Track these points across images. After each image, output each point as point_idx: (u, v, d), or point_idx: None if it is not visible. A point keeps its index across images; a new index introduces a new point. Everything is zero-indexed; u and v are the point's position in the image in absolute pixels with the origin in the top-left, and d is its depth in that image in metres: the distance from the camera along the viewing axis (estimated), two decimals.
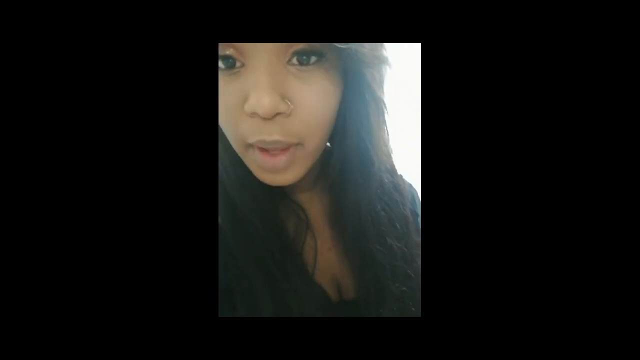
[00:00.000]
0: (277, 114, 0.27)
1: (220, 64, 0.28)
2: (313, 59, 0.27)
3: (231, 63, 0.28)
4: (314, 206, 0.40)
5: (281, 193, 0.37)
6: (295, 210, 0.38)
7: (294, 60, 0.27)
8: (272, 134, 0.28)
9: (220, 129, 0.32)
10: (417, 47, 0.29)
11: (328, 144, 0.35)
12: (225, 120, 0.30)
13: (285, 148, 0.29)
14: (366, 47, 0.28)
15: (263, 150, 0.29)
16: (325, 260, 0.39)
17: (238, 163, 0.32)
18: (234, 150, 0.32)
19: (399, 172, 0.44)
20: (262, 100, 0.26)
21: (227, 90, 0.28)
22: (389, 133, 0.36)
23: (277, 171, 0.30)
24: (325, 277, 0.37)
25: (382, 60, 0.31)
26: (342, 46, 0.27)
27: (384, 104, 0.34)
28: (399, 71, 0.35)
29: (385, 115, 0.34)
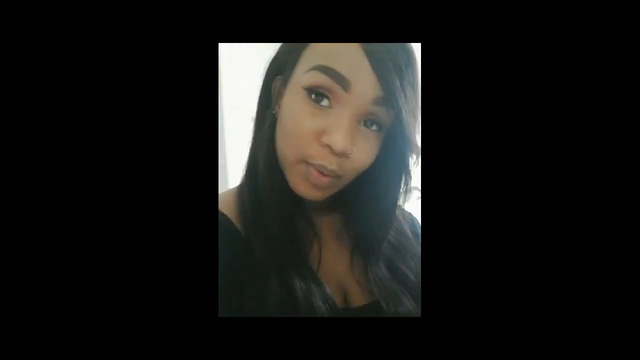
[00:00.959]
0: (344, 153, 0.35)
1: (313, 97, 0.35)
2: (375, 126, 0.36)
3: (321, 100, 0.35)
4: (324, 222, 0.44)
5: (299, 202, 0.41)
6: (306, 219, 0.43)
7: (365, 121, 0.36)
8: (333, 164, 0.35)
9: (260, 141, 0.39)
10: (417, 47, 0.29)
11: None
12: (289, 137, 0.36)
13: (331, 174, 0.36)
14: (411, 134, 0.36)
15: (317, 169, 0.36)
16: (331, 268, 0.42)
17: (274, 171, 0.39)
18: (273, 160, 0.39)
19: None
20: (342, 140, 0.34)
21: (310, 119, 0.35)
22: (408, 181, 0.42)
23: (317, 187, 0.37)
24: (332, 283, 0.40)
25: (415, 147, 0.38)
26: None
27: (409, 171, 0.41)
28: None
29: (411, 164, 0.40)
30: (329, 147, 0.34)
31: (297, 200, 0.39)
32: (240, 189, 0.42)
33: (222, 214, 0.39)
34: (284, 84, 0.38)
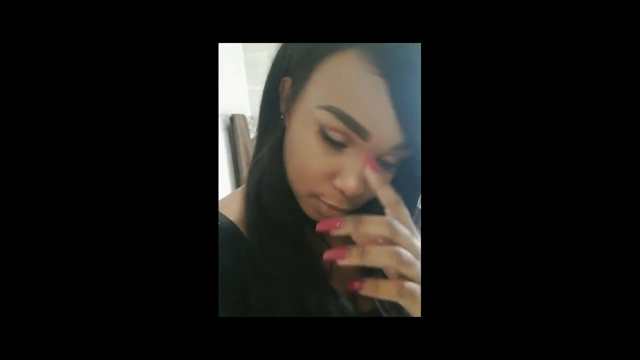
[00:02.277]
0: (356, 196, 0.33)
1: (329, 141, 0.32)
2: (389, 164, 0.34)
3: (338, 146, 0.33)
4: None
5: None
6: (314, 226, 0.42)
7: (380, 159, 0.33)
8: (344, 204, 0.34)
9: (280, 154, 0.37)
10: (417, 47, 0.29)
11: None
12: (299, 170, 0.35)
13: (342, 211, 0.35)
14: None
15: (328, 205, 0.35)
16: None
17: (284, 193, 0.37)
18: (284, 185, 0.37)
19: None
20: (355, 185, 0.32)
21: (322, 159, 0.33)
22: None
23: (327, 213, 0.35)
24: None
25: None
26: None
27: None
28: None
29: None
30: (341, 190, 0.33)
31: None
32: (247, 196, 0.39)
33: (226, 218, 0.39)
34: (294, 97, 0.34)
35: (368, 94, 0.30)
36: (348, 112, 0.30)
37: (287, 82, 0.36)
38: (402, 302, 0.30)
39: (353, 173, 0.32)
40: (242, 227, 0.39)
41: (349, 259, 0.30)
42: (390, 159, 0.33)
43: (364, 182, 0.33)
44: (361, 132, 0.31)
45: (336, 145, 0.33)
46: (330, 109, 0.31)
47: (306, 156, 0.34)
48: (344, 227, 0.31)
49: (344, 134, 0.32)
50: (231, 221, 0.39)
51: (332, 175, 0.33)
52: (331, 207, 0.34)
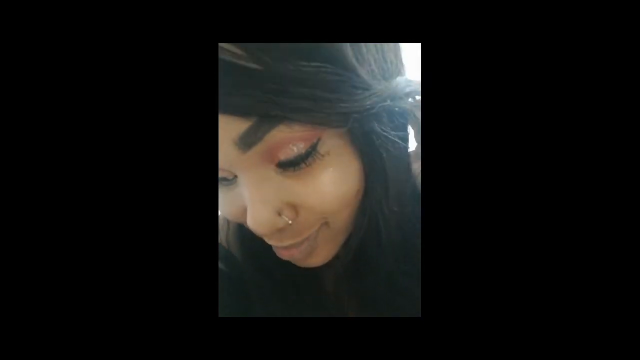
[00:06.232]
0: (271, 229, 0.25)
1: (220, 184, 0.27)
2: (303, 165, 0.25)
3: (229, 182, 0.26)
4: None
5: None
6: None
7: (283, 169, 0.25)
8: (283, 240, 0.26)
9: None
10: (417, 47, 0.29)
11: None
12: (236, 222, 0.29)
13: (301, 242, 0.27)
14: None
15: (281, 249, 0.27)
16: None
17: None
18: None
19: None
20: (257, 221, 0.25)
21: (229, 201, 0.27)
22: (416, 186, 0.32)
23: (300, 260, 0.28)
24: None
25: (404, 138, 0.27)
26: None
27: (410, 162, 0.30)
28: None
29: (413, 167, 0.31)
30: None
31: None
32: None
33: None
34: None
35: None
36: None
37: None
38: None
39: (248, 204, 0.25)
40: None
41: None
42: (285, 153, 0.24)
43: (268, 203, 0.24)
44: None
45: (225, 182, 0.27)
46: None
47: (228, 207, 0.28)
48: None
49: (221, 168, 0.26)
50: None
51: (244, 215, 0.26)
52: (280, 249, 0.28)
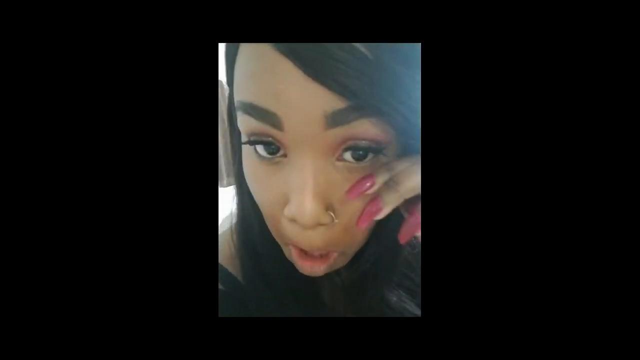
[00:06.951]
0: (318, 224, 0.24)
1: (262, 150, 0.25)
2: (370, 155, 0.24)
3: (273, 149, 0.24)
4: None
5: None
6: None
7: (347, 156, 0.24)
8: (312, 242, 0.25)
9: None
10: (417, 47, 0.29)
11: None
12: (267, 210, 0.27)
13: (326, 255, 0.26)
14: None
15: (301, 253, 0.26)
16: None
17: (267, 240, 0.30)
18: (265, 233, 0.29)
19: None
20: (303, 209, 0.23)
21: (269, 183, 0.25)
22: None
23: (315, 268, 0.27)
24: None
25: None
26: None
27: None
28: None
29: None
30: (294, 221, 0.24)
31: None
32: (231, 233, 0.35)
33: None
34: (229, 108, 0.28)
35: (272, 74, 0.23)
36: (253, 101, 0.23)
37: (227, 91, 0.29)
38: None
39: (297, 190, 0.23)
40: (229, 267, 0.35)
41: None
42: (352, 143, 0.24)
43: (321, 196, 0.23)
44: (274, 120, 0.23)
45: (274, 158, 0.25)
46: (241, 107, 0.24)
47: (255, 188, 0.26)
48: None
49: (266, 134, 0.24)
50: (220, 264, 0.35)
51: (284, 202, 0.25)
52: (301, 253, 0.26)
